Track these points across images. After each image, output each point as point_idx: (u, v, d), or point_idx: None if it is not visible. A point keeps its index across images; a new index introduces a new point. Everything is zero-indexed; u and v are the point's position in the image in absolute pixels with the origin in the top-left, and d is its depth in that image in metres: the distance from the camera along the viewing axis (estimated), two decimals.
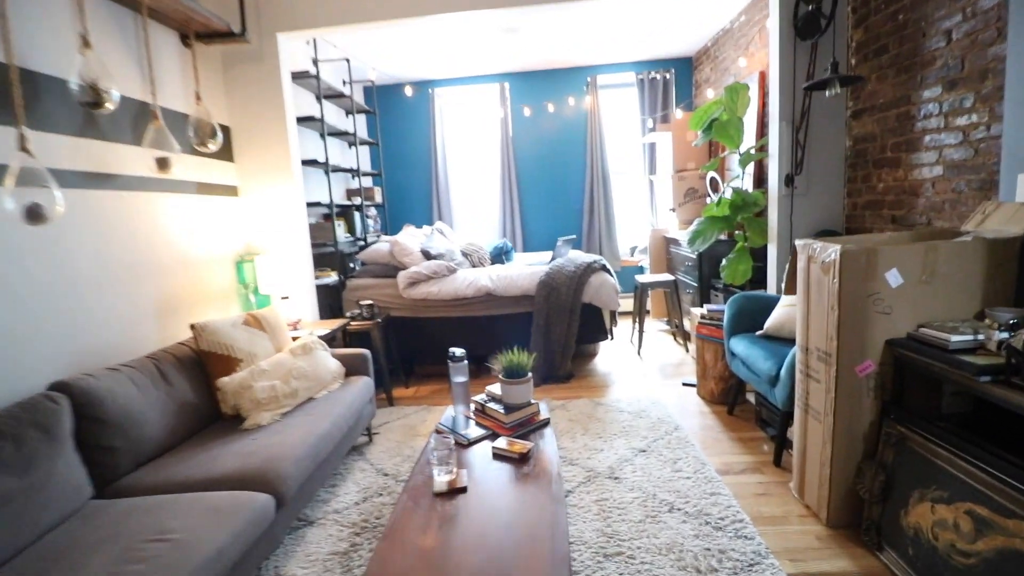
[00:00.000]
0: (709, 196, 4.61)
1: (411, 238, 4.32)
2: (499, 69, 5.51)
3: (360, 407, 2.64)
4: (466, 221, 6.03)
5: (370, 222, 4.96)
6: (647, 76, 5.45)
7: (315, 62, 3.82)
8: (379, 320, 3.48)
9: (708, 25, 4.56)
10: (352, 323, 3.42)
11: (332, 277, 3.99)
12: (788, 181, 2.97)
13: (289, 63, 3.39)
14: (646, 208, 5.69)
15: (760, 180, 3.94)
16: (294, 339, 2.77)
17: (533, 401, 2.13)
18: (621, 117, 5.78)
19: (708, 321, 3.12)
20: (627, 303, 5.52)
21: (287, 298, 3.10)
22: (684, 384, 3.49)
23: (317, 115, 3.83)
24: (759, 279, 3.60)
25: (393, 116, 5.77)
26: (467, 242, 4.58)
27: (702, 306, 3.97)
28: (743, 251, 3.27)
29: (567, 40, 4.69)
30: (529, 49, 4.87)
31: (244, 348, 2.43)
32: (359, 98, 5.34)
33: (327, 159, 3.86)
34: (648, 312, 5.36)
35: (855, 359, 1.77)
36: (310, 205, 3.88)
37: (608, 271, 3.93)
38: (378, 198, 5.13)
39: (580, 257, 3.95)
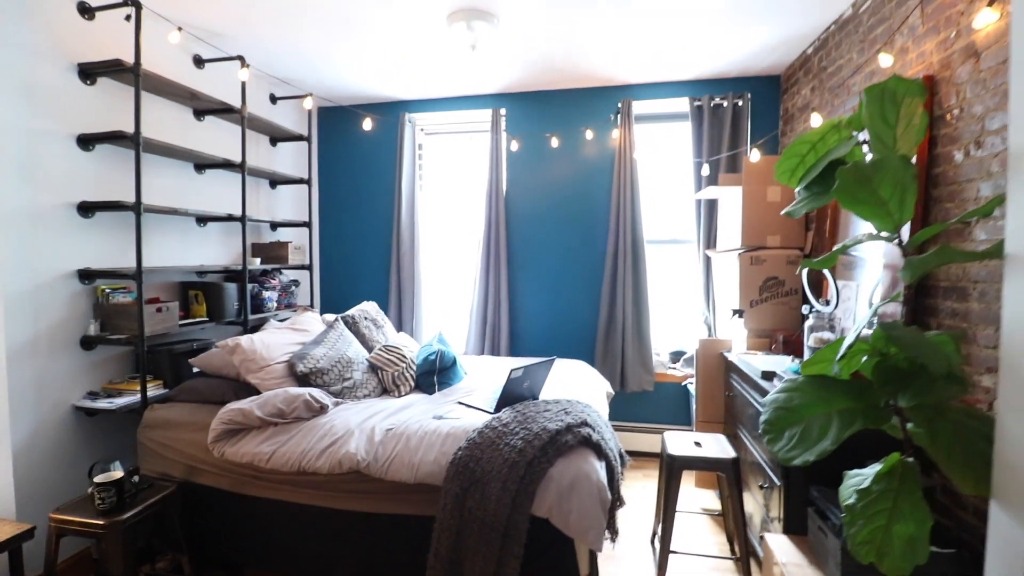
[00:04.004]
0: (811, 304, 2.62)
1: (286, 334, 2.64)
2: (493, 87, 3.89)
3: None
4: (438, 305, 4.30)
5: (271, 296, 3.35)
6: (708, 102, 3.62)
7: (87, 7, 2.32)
8: (123, 518, 1.76)
9: (811, 14, 2.72)
10: (64, 520, 1.73)
11: (129, 397, 2.36)
12: None
13: None
14: (699, 296, 3.74)
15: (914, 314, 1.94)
16: None
17: None
18: (665, 162, 3.95)
19: None
20: (650, 440, 3.54)
21: None
22: None
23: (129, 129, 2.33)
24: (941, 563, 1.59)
25: (344, 147, 4.25)
26: (384, 345, 2.83)
27: (786, 529, 1.94)
28: (909, 483, 1.29)
29: (589, 44, 3.01)
30: (533, 57, 3.21)
31: None
32: (293, 120, 3.86)
33: (139, 196, 2.30)
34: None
35: None
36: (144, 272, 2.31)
37: (596, 447, 2.00)
38: (295, 259, 3.55)
39: (541, 415, 2.07)
